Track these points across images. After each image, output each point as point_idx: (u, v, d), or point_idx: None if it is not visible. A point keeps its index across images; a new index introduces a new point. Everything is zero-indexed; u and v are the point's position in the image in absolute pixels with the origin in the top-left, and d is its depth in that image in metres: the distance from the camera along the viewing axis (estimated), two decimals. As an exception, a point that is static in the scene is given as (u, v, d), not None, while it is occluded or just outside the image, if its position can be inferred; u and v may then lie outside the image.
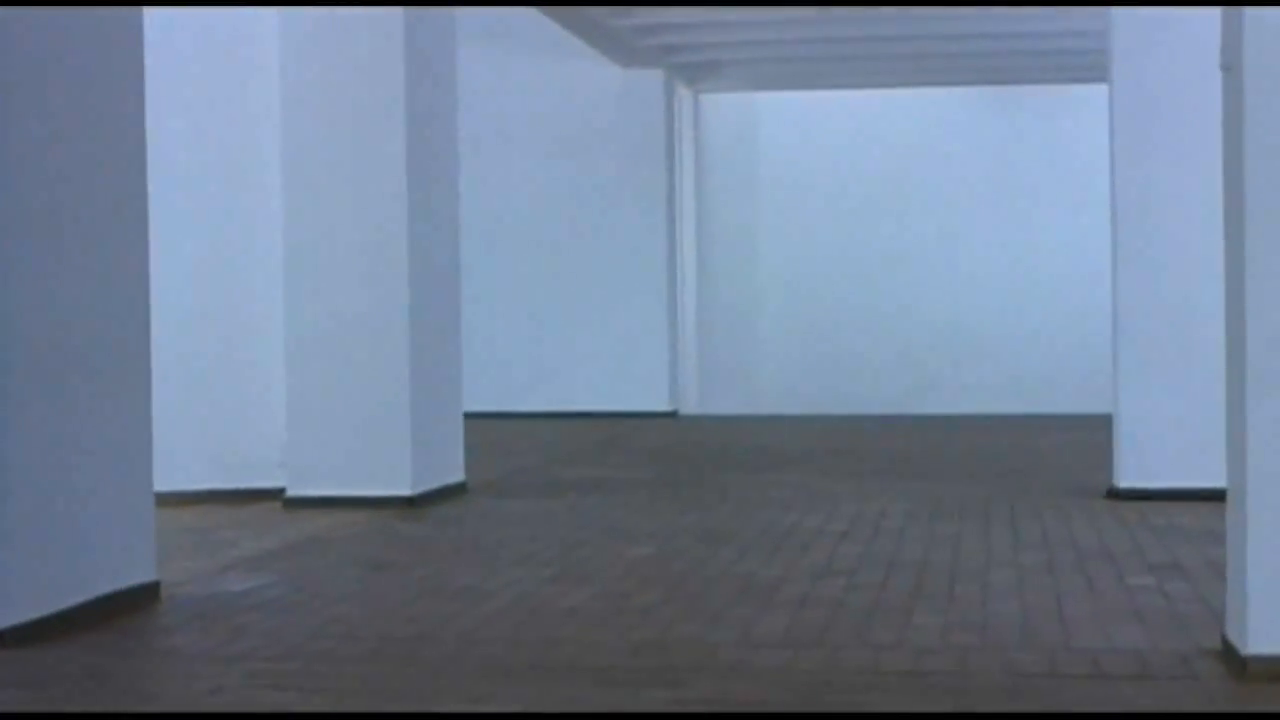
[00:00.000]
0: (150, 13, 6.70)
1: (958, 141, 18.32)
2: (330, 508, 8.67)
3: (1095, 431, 12.06)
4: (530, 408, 14.84)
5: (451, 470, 9.35)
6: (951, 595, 6.16)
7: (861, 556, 7.07)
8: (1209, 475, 8.84)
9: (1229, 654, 4.93)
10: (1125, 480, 8.93)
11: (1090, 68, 14.87)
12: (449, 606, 6.02)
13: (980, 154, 18.28)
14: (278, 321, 8.96)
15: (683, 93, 16.07)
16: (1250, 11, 4.78)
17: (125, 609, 5.90)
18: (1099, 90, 17.53)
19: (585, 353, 14.97)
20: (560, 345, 15.02)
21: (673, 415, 15.03)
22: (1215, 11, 5.26)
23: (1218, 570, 6.55)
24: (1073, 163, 17.76)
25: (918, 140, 18.33)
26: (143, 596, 6.08)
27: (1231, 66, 4.96)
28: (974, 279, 18.19)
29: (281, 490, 8.89)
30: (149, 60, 6.39)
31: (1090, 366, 16.79)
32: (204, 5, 9.10)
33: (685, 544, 7.50)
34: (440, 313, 9.25)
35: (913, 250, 18.34)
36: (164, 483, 9.13)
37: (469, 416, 14.92)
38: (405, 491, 8.77)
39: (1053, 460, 11.03)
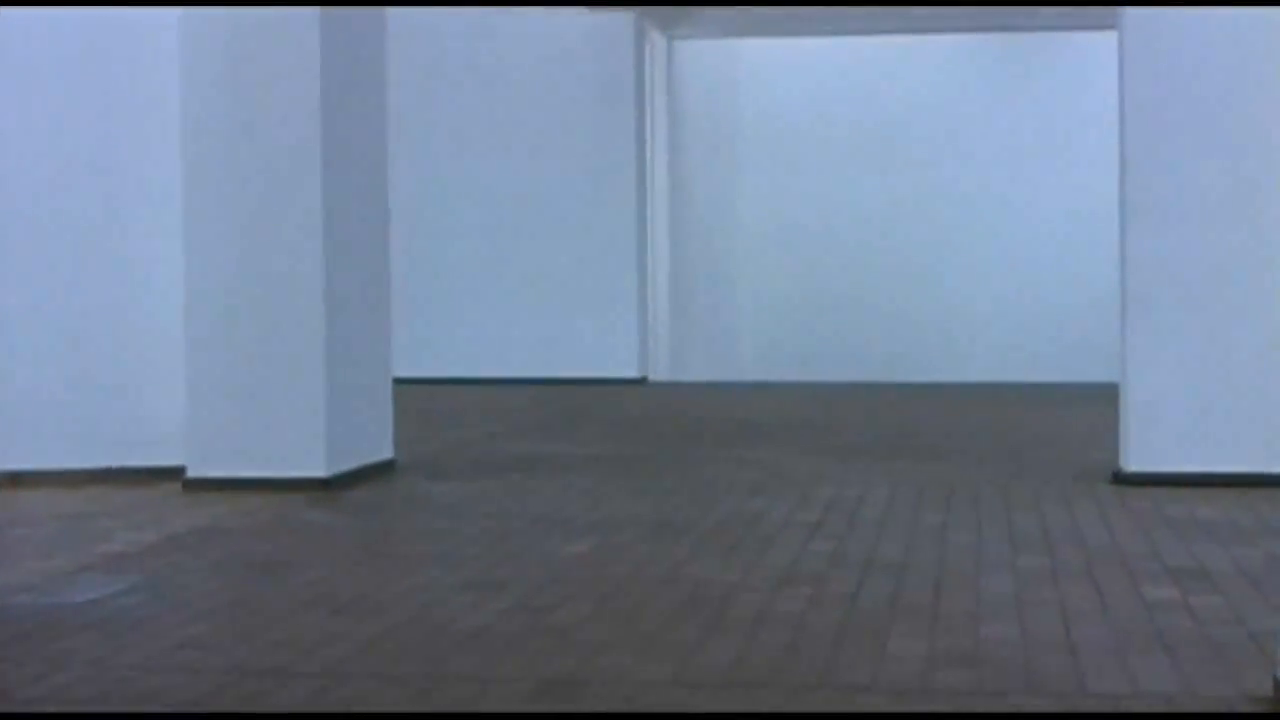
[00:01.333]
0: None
1: (955, 93, 17.16)
2: (234, 490, 7.58)
3: (1099, 404, 10.97)
4: (491, 373, 13.75)
5: (377, 447, 8.25)
6: (936, 612, 5.07)
7: (833, 556, 5.99)
8: (1230, 458, 7.86)
9: (1288, 705, 3.86)
10: (1133, 463, 7.85)
11: (1097, 14, 13.79)
12: (330, 625, 4.93)
13: (979, 107, 17.12)
14: (179, 280, 7.85)
15: (655, 38, 14.91)
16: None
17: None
18: (1105, 39, 16.60)
19: (549, 316, 13.87)
20: (522, 308, 13.91)
21: (642, 382, 13.93)
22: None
23: (1252, 579, 5.51)
24: (1077, 116, 16.64)
25: (911, 92, 17.17)
26: (-38, 610, 5.00)
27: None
28: (970, 239, 17.05)
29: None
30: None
31: (1095, 332, 15.78)
32: None
33: (630, 538, 6.41)
34: (363, 270, 8.14)
35: (905, 209, 17.20)
36: (51, 460, 8.14)
37: (423, 383, 13.92)
38: (319, 473, 7.67)
39: (1051, 436, 9.95)
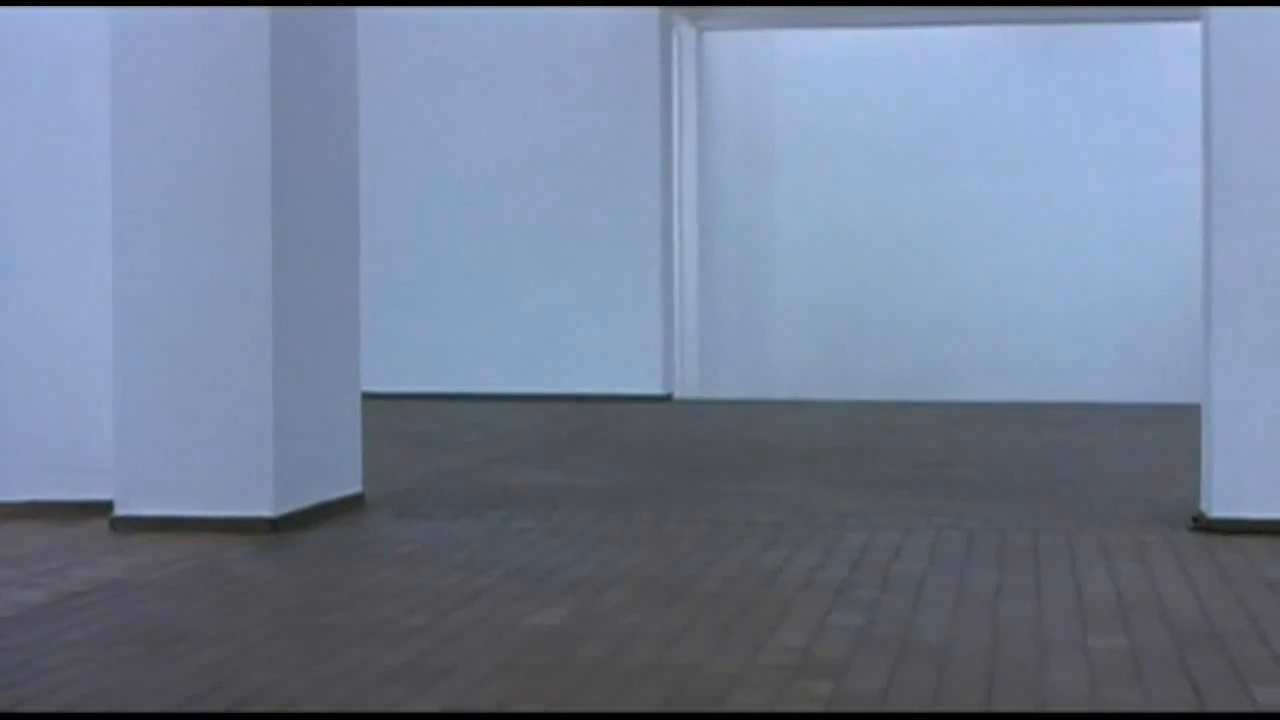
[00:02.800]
0: None
1: (1006, 89, 15.92)
2: (167, 532, 6.44)
3: (1172, 428, 9.80)
4: (499, 389, 12.58)
5: (341, 480, 7.09)
6: (990, 725, 3.88)
7: (860, 634, 4.78)
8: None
9: None
10: (1219, 506, 6.61)
11: (1169, 4, 12.59)
12: (200, 735, 3.77)
13: (1032, 103, 15.86)
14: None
15: (683, 30, 13.72)
16: None
17: None
18: (1170, 30, 15.37)
19: (566, 327, 12.69)
20: (536, 318, 12.74)
21: (667, 400, 12.73)
22: None
23: (1392, 675, 4.27)
24: (1139, 113, 15.40)
25: (959, 88, 15.93)
26: None
27: None
28: (1026, 247, 15.78)
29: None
30: None
31: (1166, 348, 14.54)
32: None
33: (615, 603, 5.23)
34: (324, 277, 6.97)
35: (953, 215, 15.95)
36: (-36, 493, 7.04)
37: (422, 399, 12.78)
38: (265, 512, 6.52)
39: (1118, 468, 8.71)
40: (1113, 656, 4.53)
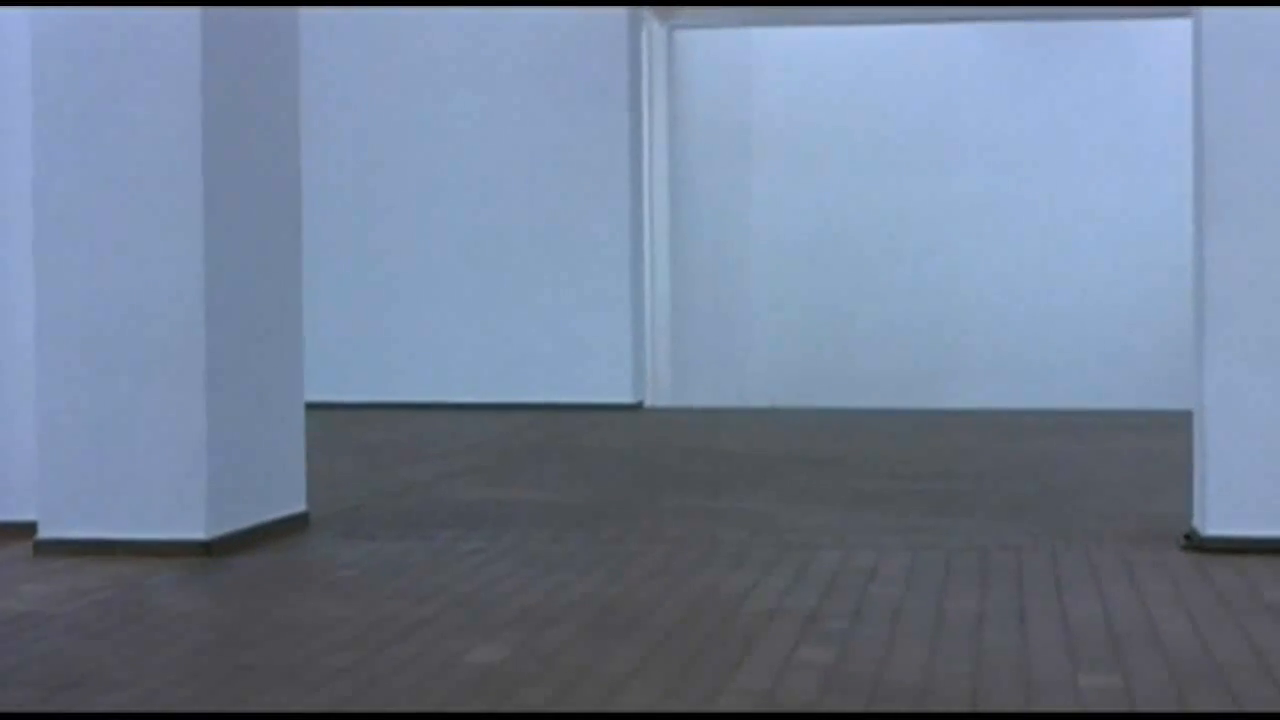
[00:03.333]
0: None
1: (990, 88, 15.51)
2: (93, 556, 5.99)
3: (1161, 435, 9.40)
4: (469, 399, 12.12)
5: (281, 499, 6.63)
6: (971, 784, 3.45)
7: (829, 673, 4.35)
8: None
9: None
10: (1213, 523, 6.18)
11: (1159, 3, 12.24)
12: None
13: (1017, 102, 15.45)
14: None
15: (654, 29, 13.29)
16: None
17: None
18: (1157, 26, 14.98)
19: (531, 333, 12.23)
20: (501, 324, 12.28)
21: (637, 408, 12.28)
22: None
23: None
24: (1126, 111, 15.00)
25: (948, 84, 15.52)
26: None
27: None
28: (1010, 248, 15.37)
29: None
30: None
31: (1157, 352, 14.11)
32: None
33: (563, 637, 4.79)
34: (263, 284, 6.51)
35: (939, 215, 15.53)
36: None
37: (383, 409, 12.32)
38: (197, 534, 6.06)
39: (1105, 479, 8.28)
40: (1106, 697, 4.11)
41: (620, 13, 12.32)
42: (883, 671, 4.36)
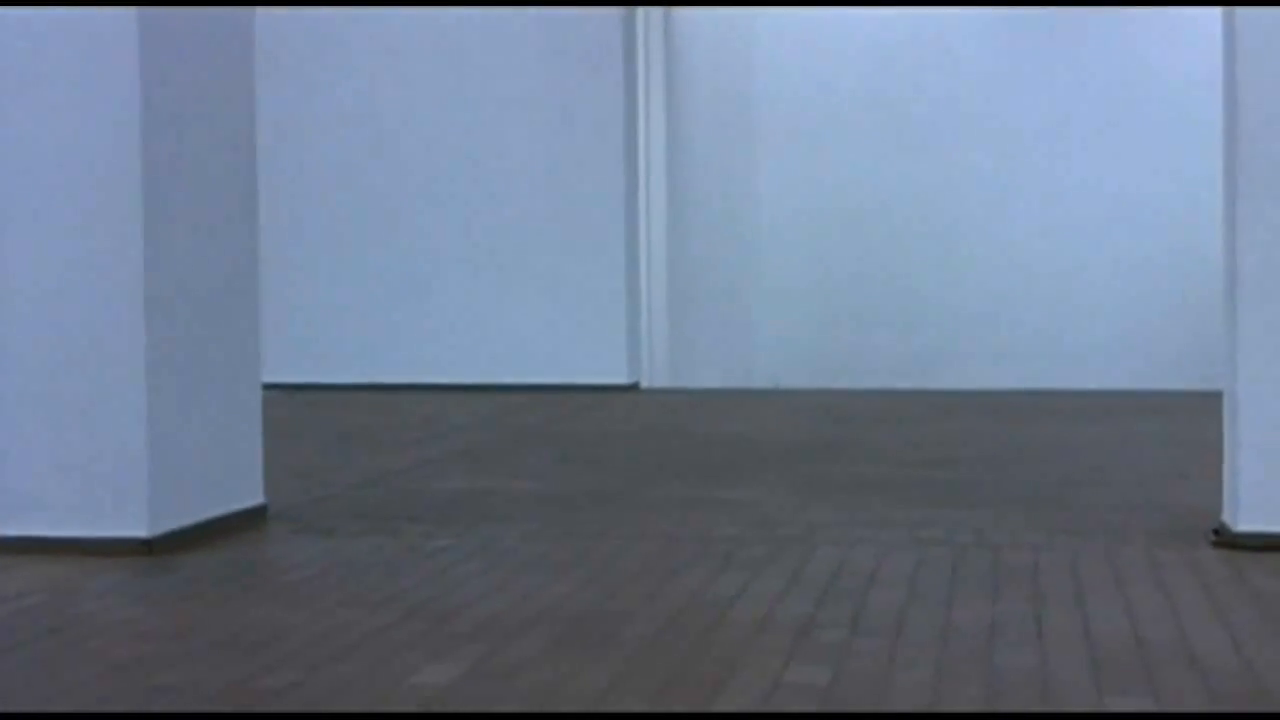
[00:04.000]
0: None
1: (999, 65, 14.97)
2: (35, 555, 5.49)
3: (1186, 418, 8.91)
4: (458, 379, 11.61)
5: (235, 492, 6.12)
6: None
7: (822, 699, 3.83)
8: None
9: None
10: (1246, 518, 5.66)
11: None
12: None
13: (1025, 79, 14.92)
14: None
15: (650, 9, 12.73)
16: None
17: None
18: (1178, 15, 14.44)
19: (522, 312, 11.71)
20: (491, 303, 11.76)
21: (633, 389, 11.77)
22: None
23: None
24: (1134, 88, 14.45)
25: (950, 63, 14.99)
26: None
27: None
28: (1020, 226, 14.83)
29: None
30: None
31: (1177, 332, 13.59)
32: None
33: (526, 652, 4.27)
34: (211, 261, 5.99)
35: (950, 192, 15.01)
36: None
37: (377, 390, 11.83)
38: (139, 532, 5.56)
39: (1125, 466, 7.75)
40: (1137, 727, 3.59)
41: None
42: (883, 695, 3.84)
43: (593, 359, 11.57)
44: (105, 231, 5.55)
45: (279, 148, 12.09)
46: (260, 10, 12.00)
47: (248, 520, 6.10)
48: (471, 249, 11.77)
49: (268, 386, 11.72)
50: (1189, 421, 8.80)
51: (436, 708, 3.77)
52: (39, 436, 5.60)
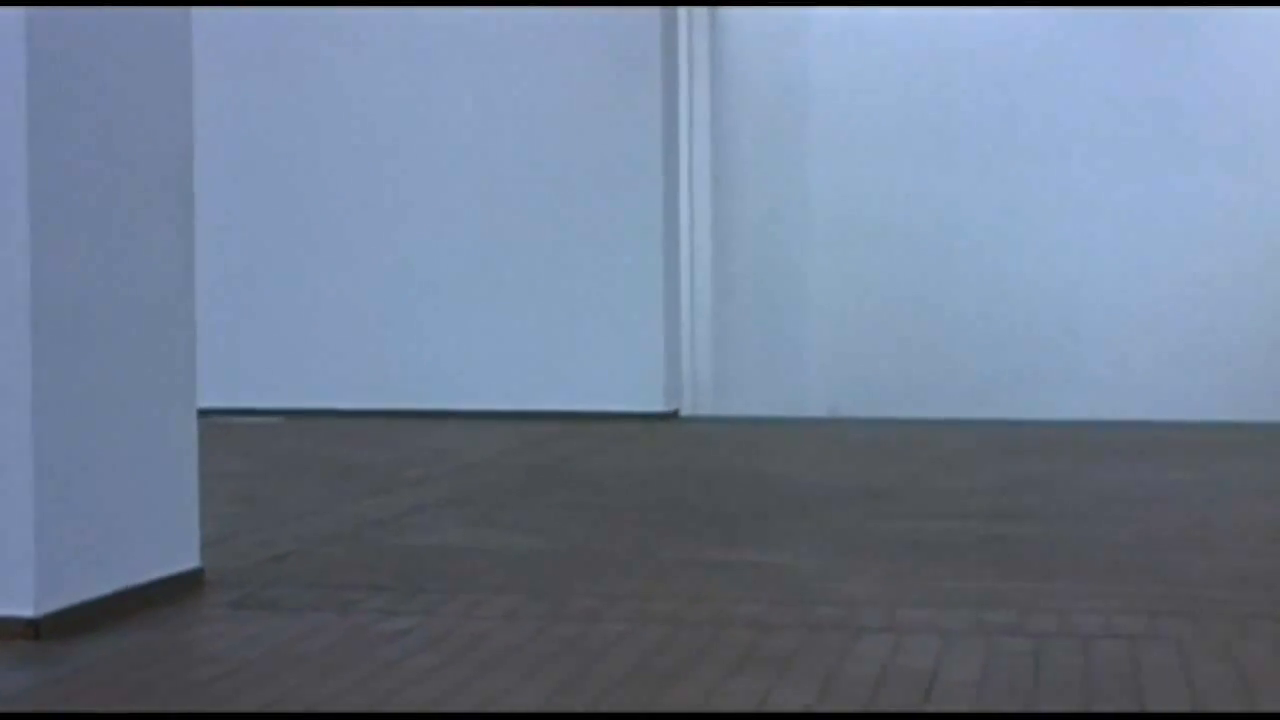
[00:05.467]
0: None
1: (1080, 66, 13.67)
2: (-117, 639, 4.38)
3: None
4: (484, 405, 10.48)
5: (160, 556, 4.98)
6: None
7: None
8: None
9: None
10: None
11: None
12: None
13: (1111, 83, 13.60)
14: None
15: (694, 10, 11.57)
16: None
17: None
18: (1261, 15, 13.18)
19: (555, 335, 10.56)
20: (521, 325, 10.62)
21: (671, 418, 10.58)
22: None
23: None
24: (1234, 98, 13.18)
25: (1024, 68, 13.72)
26: None
27: None
28: (1101, 244, 13.54)
29: None
30: None
31: (1264, 359, 12.34)
32: None
33: (461, 804, 3.11)
34: (126, 284, 4.85)
35: (1016, 207, 13.73)
36: None
37: (395, 416, 10.72)
38: (22, 611, 4.43)
39: (1227, 522, 6.52)
40: None
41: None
42: None
43: (628, 384, 10.41)
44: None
45: (300, 152, 11.04)
46: (278, 9, 11.00)
47: (174, 590, 4.96)
48: (496, 264, 10.64)
49: (257, 412, 10.75)
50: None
51: None
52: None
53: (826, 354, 13.63)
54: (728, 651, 4.32)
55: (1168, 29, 13.67)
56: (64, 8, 4.59)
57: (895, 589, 5.13)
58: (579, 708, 3.80)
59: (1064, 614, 4.74)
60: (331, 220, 10.93)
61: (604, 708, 3.80)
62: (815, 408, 12.81)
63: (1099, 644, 4.38)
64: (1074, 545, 5.98)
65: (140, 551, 4.87)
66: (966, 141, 13.71)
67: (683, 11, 11.52)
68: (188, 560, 5.09)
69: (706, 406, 11.43)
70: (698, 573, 5.43)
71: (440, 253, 10.74)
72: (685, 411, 10.95)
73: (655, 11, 10.49)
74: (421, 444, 9.28)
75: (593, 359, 10.46)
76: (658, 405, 10.45)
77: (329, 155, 10.93)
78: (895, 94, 13.85)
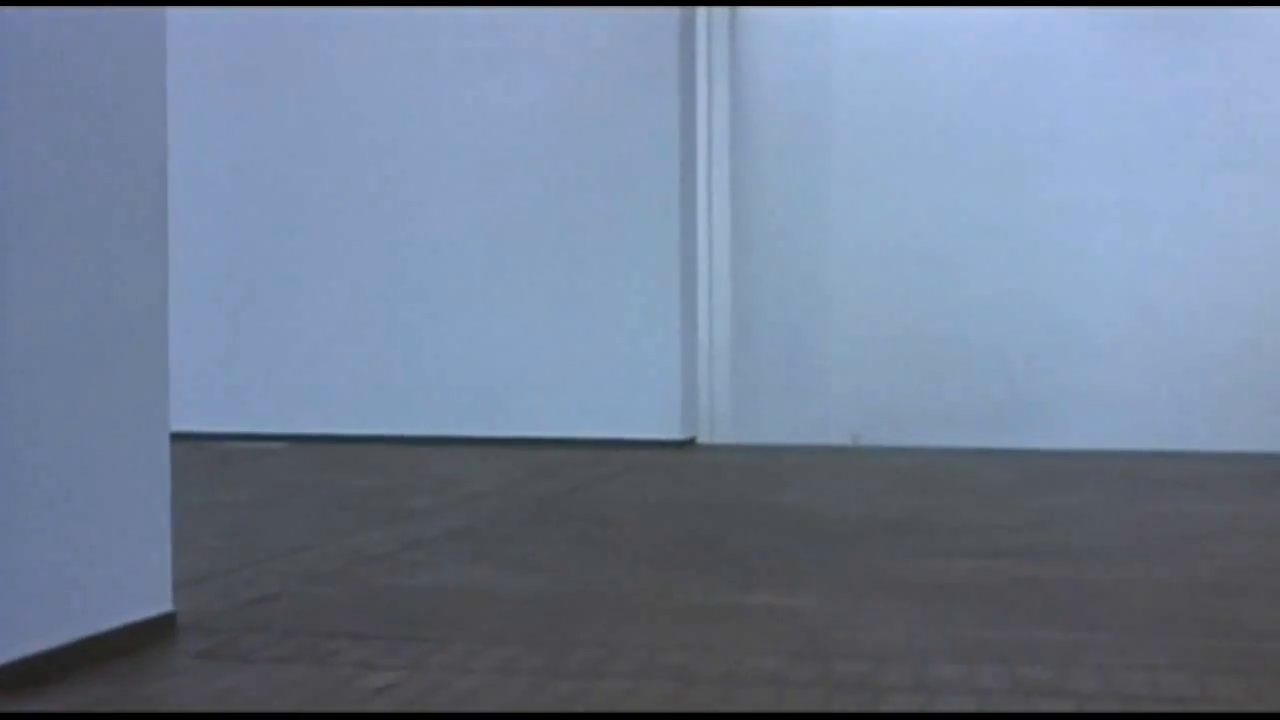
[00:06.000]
0: None
1: (1111, 77, 13.25)
2: None
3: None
4: (490, 432, 10.07)
5: (125, 601, 4.55)
6: None
7: None
8: None
9: None
10: None
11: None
12: None
13: (1142, 94, 13.17)
14: None
15: (713, 11, 11.15)
16: None
17: None
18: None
19: (565, 357, 10.15)
20: (530, 346, 10.21)
21: (687, 445, 10.16)
22: None
23: None
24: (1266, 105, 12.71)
25: (1057, 75, 13.29)
26: None
27: None
28: (1139, 265, 13.09)
29: None
30: None
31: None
32: None
33: None
34: (83, 306, 4.44)
35: (1046, 224, 13.31)
36: None
37: (401, 443, 10.31)
38: (-38, 664, 4.03)
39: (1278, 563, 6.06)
40: None
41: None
42: None
43: (642, 410, 9.99)
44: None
45: (302, 165, 10.66)
46: (285, 10, 10.57)
47: (141, 638, 4.54)
48: (506, 285, 10.23)
49: (258, 438, 10.33)
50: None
51: None
52: None
53: (849, 377, 13.20)
54: (740, 714, 3.88)
55: (1223, 32, 13.20)
56: (20, 8, 4.19)
57: (924, 639, 4.68)
58: (571, 783, 3.37)
59: (1107, 671, 4.29)
60: (338, 242, 10.53)
61: (600, 782, 3.36)
62: (837, 435, 12.37)
63: (1145, 707, 3.94)
64: (1113, 589, 5.53)
65: (103, 596, 4.45)
66: (999, 154, 13.27)
67: (701, 14, 11.11)
68: (158, 604, 4.67)
69: (724, 433, 11.00)
70: (711, 619, 4.99)
71: (449, 273, 10.34)
72: (702, 439, 10.52)
73: (673, 16, 10.06)
74: (426, 472, 8.86)
75: (605, 383, 10.04)
76: (673, 432, 10.02)
77: (334, 169, 10.54)
78: (925, 104, 13.41)
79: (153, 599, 4.66)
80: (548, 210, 10.15)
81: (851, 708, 3.91)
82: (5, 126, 4.13)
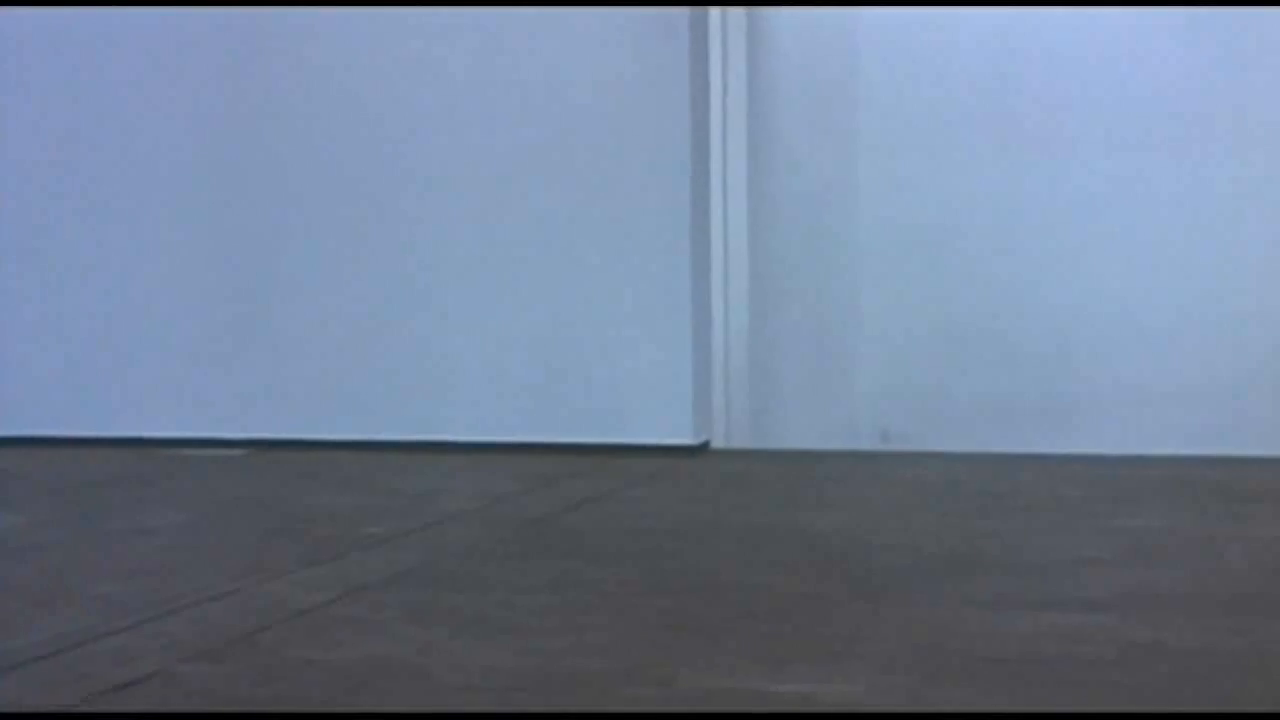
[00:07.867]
0: None
1: (1157, 51, 11.74)
2: None
3: None
4: (485, 437, 8.61)
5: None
6: None
7: None
8: None
9: None
10: None
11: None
12: None
13: (1191, 69, 11.67)
14: None
15: (728, 10, 9.65)
16: None
17: None
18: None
19: (564, 355, 8.68)
20: (525, 344, 8.75)
21: (700, 451, 8.66)
22: None
23: None
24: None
25: (1096, 50, 11.78)
26: None
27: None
28: (1197, 254, 11.60)
29: None
30: None
31: None
32: None
33: None
34: None
35: (1088, 209, 11.81)
36: None
37: (385, 448, 8.88)
38: None
39: None
40: None
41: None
42: None
43: (650, 412, 8.50)
44: None
45: (290, 151, 9.28)
46: (286, 10, 9.17)
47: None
48: (505, 279, 8.76)
49: (219, 443, 8.89)
50: None
51: None
52: None
53: (878, 374, 11.69)
54: None
55: (1240, 27, 11.72)
56: None
57: (1026, 753, 3.16)
58: None
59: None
60: (312, 223, 9.10)
61: None
62: (866, 436, 10.87)
63: None
64: (1256, 662, 3.99)
65: None
66: (1038, 135, 11.76)
67: (715, 14, 9.65)
68: (-57, 710, 3.18)
69: (742, 438, 9.50)
70: (705, 703, 3.47)
71: (438, 263, 8.88)
72: (717, 443, 9.03)
73: (683, 17, 8.60)
74: (398, 486, 7.37)
75: (610, 383, 8.56)
76: (685, 437, 8.52)
77: (325, 160, 9.12)
78: (955, 89, 11.93)
79: (-64, 702, 3.17)
80: (547, 204, 8.72)
81: None
82: None
